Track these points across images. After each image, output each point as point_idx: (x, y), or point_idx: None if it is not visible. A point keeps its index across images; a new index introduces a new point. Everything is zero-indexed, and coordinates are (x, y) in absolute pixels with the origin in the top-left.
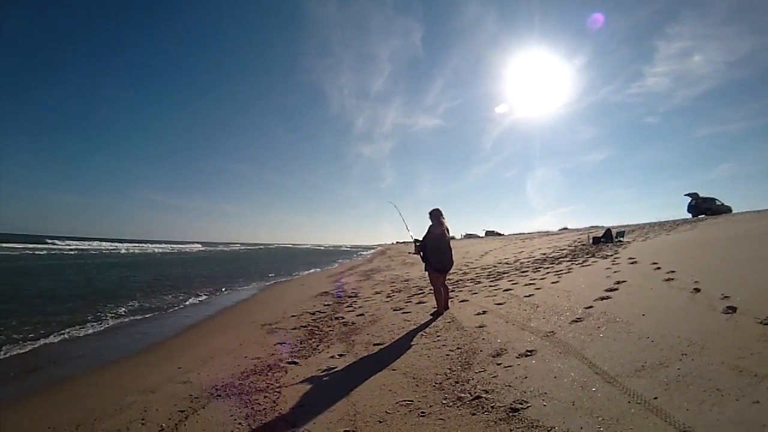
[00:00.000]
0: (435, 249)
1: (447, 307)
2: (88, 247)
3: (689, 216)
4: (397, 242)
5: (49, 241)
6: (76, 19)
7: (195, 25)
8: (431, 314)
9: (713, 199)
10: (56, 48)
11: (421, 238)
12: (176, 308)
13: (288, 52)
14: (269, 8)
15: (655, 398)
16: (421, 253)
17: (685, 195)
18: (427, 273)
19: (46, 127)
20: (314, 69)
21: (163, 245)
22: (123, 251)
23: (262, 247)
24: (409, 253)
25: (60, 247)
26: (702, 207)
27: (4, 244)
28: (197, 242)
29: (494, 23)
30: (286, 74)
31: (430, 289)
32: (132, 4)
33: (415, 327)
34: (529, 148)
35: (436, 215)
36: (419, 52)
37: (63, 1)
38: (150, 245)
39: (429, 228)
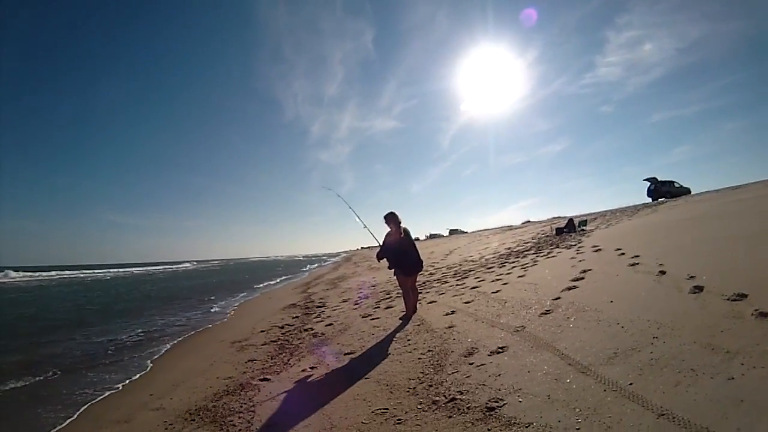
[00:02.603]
0: (399, 252)
1: (415, 310)
2: (49, 277)
3: (649, 200)
4: (362, 248)
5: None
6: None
7: (145, 37)
8: (400, 318)
9: (672, 182)
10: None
11: (382, 242)
12: (141, 333)
13: (241, 59)
14: (220, 14)
15: (631, 384)
16: (385, 258)
17: (644, 180)
18: (395, 277)
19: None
20: (268, 76)
21: (128, 268)
22: (87, 278)
23: (220, 263)
24: (378, 258)
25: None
26: (661, 190)
27: None
28: (159, 263)
29: (445, 21)
30: (240, 82)
31: (398, 293)
32: (75, 18)
33: (385, 333)
34: (487, 144)
35: (392, 219)
36: (371, 53)
37: None
38: (110, 270)
39: (387, 232)
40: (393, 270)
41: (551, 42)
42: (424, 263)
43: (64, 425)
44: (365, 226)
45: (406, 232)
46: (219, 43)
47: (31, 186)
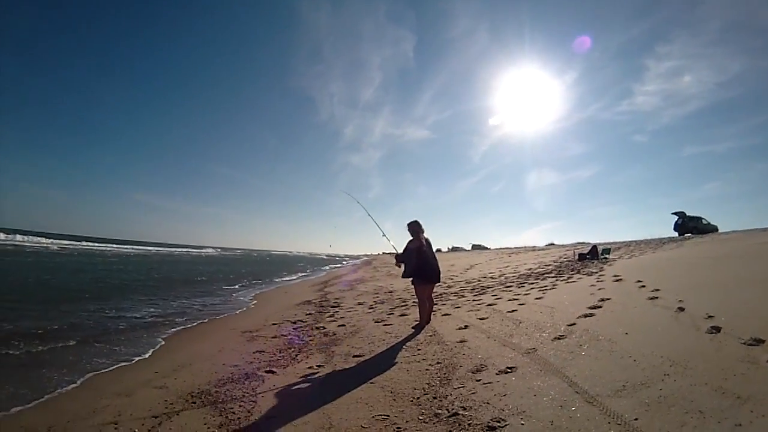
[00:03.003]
0: (421, 260)
1: (429, 321)
2: (70, 246)
3: (675, 234)
4: (383, 252)
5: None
6: (74, 13)
7: (188, 27)
8: (413, 327)
9: (700, 218)
10: (51, 42)
11: (401, 251)
12: (154, 312)
13: (279, 56)
14: (262, 12)
15: (636, 419)
16: (403, 265)
17: (672, 213)
18: (413, 285)
19: (36, 122)
20: (305, 75)
21: (149, 247)
22: (107, 251)
23: (243, 252)
24: (396, 264)
25: (42, 243)
26: (688, 226)
27: None
28: (182, 245)
29: (485, 37)
30: (276, 79)
31: (414, 302)
32: (129, 6)
33: (396, 340)
34: (517, 162)
35: (414, 228)
36: (410, 62)
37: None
38: (133, 247)
39: (410, 240)
40: (411, 279)
41: (591, 66)
42: (443, 275)
43: (65, 389)
44: (384, 235)
45: (428, 242)
46: (260, 39)
47: (61, 157)
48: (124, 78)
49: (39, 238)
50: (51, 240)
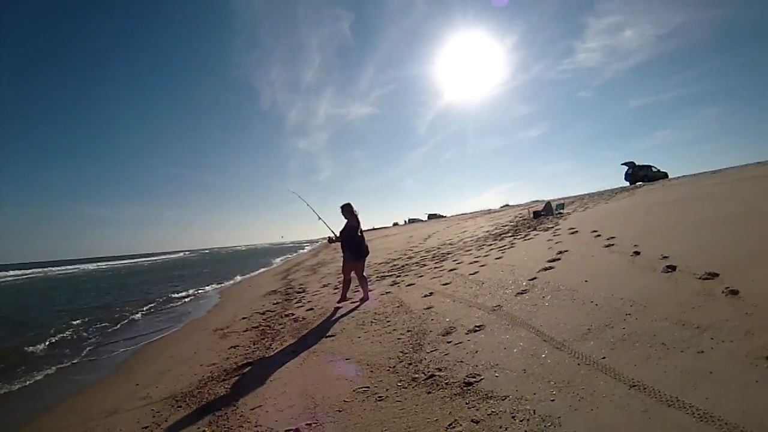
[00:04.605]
0: (353, 241)
1: (367, 297)
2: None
3: (627, 184)
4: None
5: None
6: None
7: (121, 27)
8: (338, 302)
9: (649, 167)
10: None
11: (338, 233)
12: (126, 324)
13: (216, 48)
14: (196, 4)
15: (603, 358)
16: (341, 244)
17: (622, 164)
18: (344, 263)
19: None
20: (244, 64)
21: (104, 262)
22: (61, 273)
23: (211, 252)
24: (329, 241)
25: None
26: (639, 174)
27: None
28: (141, 254)
29: (423, 5)
30: (215, 71)
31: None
32: (50, 15)
33: (365, 315)
34: (465, 129)
35: (348, 209)
36: (349, 40)
37: None
38: (89, 264)
39: (346, 223)
40: (345, 256)
41: (530, 28)
42: (402, 247)
43: (47, 415)
44: (320, 218)
45: (359, 222)
46: (194, 32)
47: (7, 182)
48: (60, 95)
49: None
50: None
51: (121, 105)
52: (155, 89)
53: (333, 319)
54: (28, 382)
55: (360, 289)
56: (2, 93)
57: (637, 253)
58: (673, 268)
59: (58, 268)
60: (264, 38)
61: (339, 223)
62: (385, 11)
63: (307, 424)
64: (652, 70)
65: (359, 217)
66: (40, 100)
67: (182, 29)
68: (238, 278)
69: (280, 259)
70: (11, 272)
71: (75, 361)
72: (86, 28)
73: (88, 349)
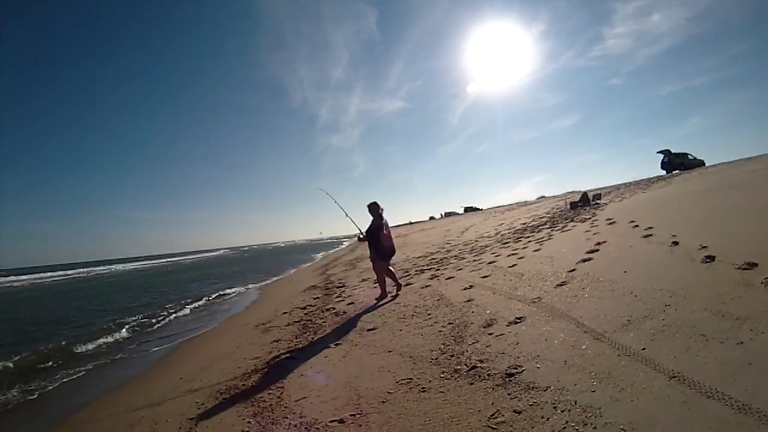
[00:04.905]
0: (378, 239)
1: (400, 286)
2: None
3: (663, 173)
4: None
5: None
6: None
7: (147, 35)
8: (376, 299)
9: (685, 154)
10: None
11: (364, 231)
12: (166, 322)
13: (243, 50)
14: (217, 8)
15: (643, 349)
16: (368, 243)
17: (658, 152)
18: (372, 261)
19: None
20: (271, 64)
21: (144, 261)
22: (106, 272)
23: (247, 249)
24: (359, 239)
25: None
26: (675, 162)
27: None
28: (177, 253)
29: None
30: (243, 73)
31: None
32: (75, 19)
33: (405, 309)
34: (497, 120)
35: (374, 208)
36: (375, 35)
37: None
38: (130, 263)
39: (372, 221)
40: (371, 254)
41: (557, 15)
42: (440, 241)
43: (93, 406)
44: (347, 215)
45: (385, 221)
46: (219, 36)
47: (37, 188)
48: (87, 98)
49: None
50: (39, 275)
51: (142, 110)
52: (179, 94)
53: (374, 312)
54: (72, 377)
55: (395, 284)
56: (20, 100)
57: (675, 243)
58: (712, 258)
59: (101, 267)
60: (290, 38)
61: (368, 220)
62: (411, 4)
63: (351, 415)
64: (683, 54)
65: (385, 215)
66: (60, 106)
67: (204, 32)
68: (278, 275)
69: (321, 254)
70: (58, 272)
71: (117, 357)
72: (105, 29)
73: (130, 345)
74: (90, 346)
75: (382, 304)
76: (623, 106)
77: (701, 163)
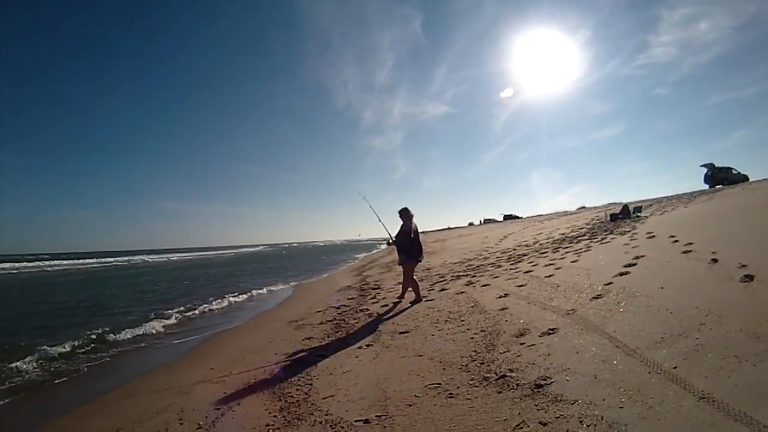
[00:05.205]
0: (407, 243)
1: (402, 298)
2: (105, 262)
3: (706, 187)
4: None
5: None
6: (72, 33)
7: (196, 34)
8: (398, 298)
9: (729, 169)
10: (53, 65)
11: (394, 236)
12: (199, 314)
13: (289, 51)
14: (267, 12)
15: (675, 368)
16: (396, 246)
17: (701, 166)
18: (401, 264)
19: (47, 147)
20: (317, 66)
21: (183, 253)
22: (150, 261)
23: (284, 246)
24: (388, 244)
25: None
26: (718, 177)
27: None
28: (216, 247)
29: (494, 3)
30: (289, 74)
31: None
32: (131, 16)
33: (439, 314)
34: (541, 128)
35: (405, 213)
36: (420, 39)
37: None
38: (169, 255)
39: (401, 226)
40: (399, 257)
41: (603, 21)
42: (478, 248)
43: (121, 392)
44: (380, 220)
45: (415, 226)
46: (267, 38)
47: (83, 177)
48: (135, 90)
49: (39, 262)
50: (80, 261)
51: (192, 107)
52: (227, 90)
53: (407, 315)
54: (103, 361)
55: (411, 290)
56: (66, 93)
57: (714, 260)
58: (751, 277)
59: (140, 257)
60: (335, 40)
61: (398, 223)
62: (457, 9)
63: (377, 416)
64: (730, 64)
65: (417, 220)
66: (106, 99)
67: (255, 35)
68: (315, 273)
69: (362, 255)
70: (108, 259)
71: (149, 345)
72: (167, 32)
73: (162, 335)
74: (127, 335)
75: (416, 309)
76: (668, 117)
77: (745, 178)
